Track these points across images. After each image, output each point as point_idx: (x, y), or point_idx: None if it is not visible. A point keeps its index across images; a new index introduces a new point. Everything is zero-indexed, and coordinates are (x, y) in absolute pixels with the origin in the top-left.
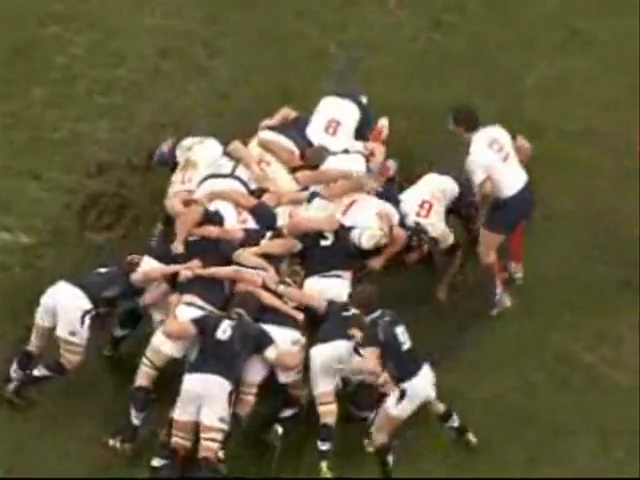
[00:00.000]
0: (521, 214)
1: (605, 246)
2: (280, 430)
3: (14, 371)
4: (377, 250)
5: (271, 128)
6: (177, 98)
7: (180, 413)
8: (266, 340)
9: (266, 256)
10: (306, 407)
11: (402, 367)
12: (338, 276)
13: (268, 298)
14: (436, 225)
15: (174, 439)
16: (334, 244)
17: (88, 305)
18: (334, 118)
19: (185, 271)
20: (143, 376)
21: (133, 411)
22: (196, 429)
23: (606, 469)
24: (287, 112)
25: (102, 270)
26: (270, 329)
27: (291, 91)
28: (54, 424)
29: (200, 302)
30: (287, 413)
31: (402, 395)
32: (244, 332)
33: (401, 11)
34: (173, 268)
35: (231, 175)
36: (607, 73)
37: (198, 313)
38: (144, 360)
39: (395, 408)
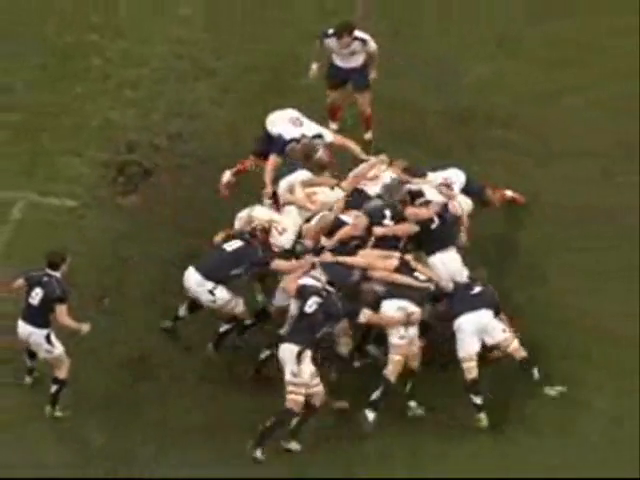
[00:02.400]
0: None
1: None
2: (372, 416)
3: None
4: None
5: (284, 173)
6: (188, 92)
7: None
8: (352, 311)
9: (387, 238)
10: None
11: None
12: (451, 250)
13: (401, 278)
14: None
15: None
16: (441, 225)
17: (210, 285)
18: (292, 116)
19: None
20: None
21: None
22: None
23: None
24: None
25: (229, 248)
26: (386, 302)
27: (285, 86)
28: None
29: (323, 279)
30: (376, 395)
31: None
32: (327, 309)
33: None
34: (307, 262)
35: None
36: (533, 71)
37: (314, 284)
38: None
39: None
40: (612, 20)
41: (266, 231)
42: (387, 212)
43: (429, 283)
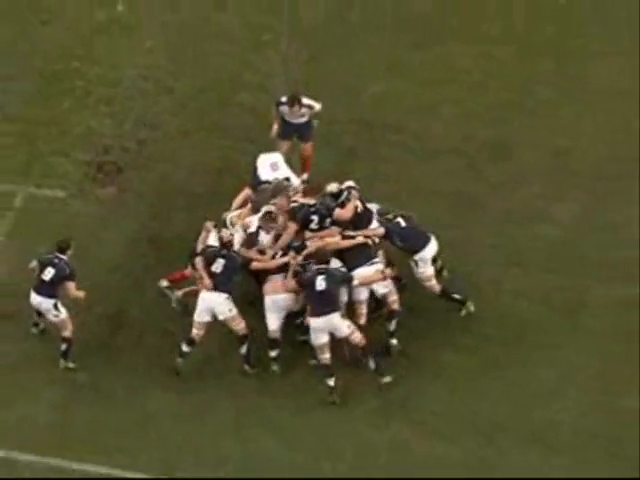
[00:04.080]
0: None
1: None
2: (395, 342)
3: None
4: None
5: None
6: (152, 106)
7: (316, 339)
8: (348, 276)
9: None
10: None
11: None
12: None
13: (350, 242)
14: None
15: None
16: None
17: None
18: (273, 161)
19: (294, 260)
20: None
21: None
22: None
23: None
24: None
25: (219, 268)
26: (360, 270)
27: (228, 102)
28: None
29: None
30: (392, 326)
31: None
32: (334, 279)
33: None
34: (282, 260)
35: None
36: (417, 87)
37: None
38: None
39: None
40: (477, 47)
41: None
42: (315, 218)
43: (371, 238)
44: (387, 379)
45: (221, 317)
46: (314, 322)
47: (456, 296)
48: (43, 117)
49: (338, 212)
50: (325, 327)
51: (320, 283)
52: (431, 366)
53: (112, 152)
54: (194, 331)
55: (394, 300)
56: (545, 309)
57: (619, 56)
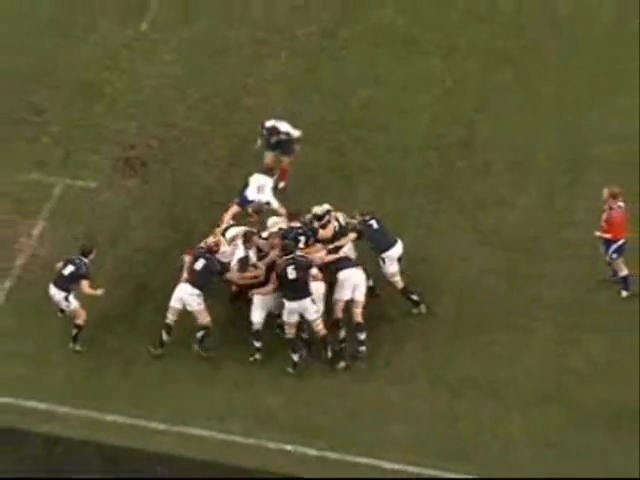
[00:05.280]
0: None
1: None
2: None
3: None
4: None
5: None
6: (171, 112)
7: (287, 316)
8: (310, 262)
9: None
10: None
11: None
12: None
13: (333, 256)
14: None
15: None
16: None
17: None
18: (260, 184)
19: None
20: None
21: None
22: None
23: None
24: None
25: (200, 266)
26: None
27: (233, 106)
28: None
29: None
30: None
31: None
32: (302, 267)
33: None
34: (255, 273)
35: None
36: (400, 94)
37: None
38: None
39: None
40: (448, 58)
41: (217, 245)
42: (302, 238)
43: (351, 252)
44: (342, 365)
45: (188, 308)
46: (289, 304)
47: (414, 297)
48: (78, 119)
49: (321, 232)
50: (297, 309)
51: (291, 272)
52: (409, 332)
53: (137, 149)
54: (169, 316)
55: (318, 325)
56: (509, 283)
57: (569, 68)
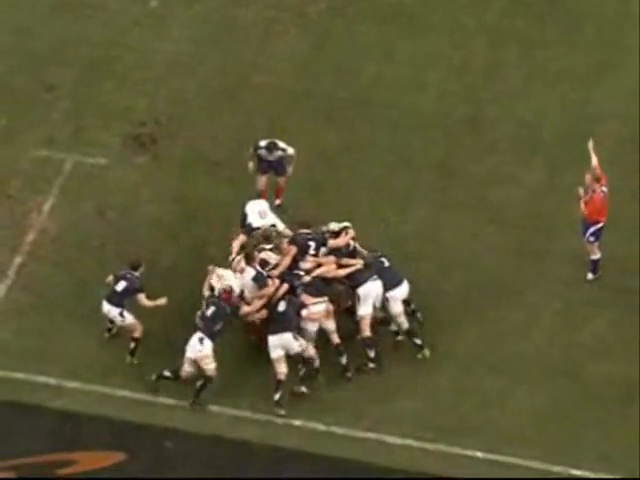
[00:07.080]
0: None
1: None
2: (304, 389)
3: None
4: None
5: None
6: (179, 89)
7: (272, 352)
8: (301, 304)
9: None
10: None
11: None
12: None
13: (344, 270)
14: None
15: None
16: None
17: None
18: (261, 209)
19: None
20: None
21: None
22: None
23: None
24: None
25: (209, 313)
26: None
27: (240, 85)
28: None
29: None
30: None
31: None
32: (293, 306)
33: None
34: (259, 304)
35: None
36: (408, 72)
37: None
38: None
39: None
40: (456, 36)
41: (228, 292)
42: (312, 243)
43: (359, 264)
44: (303, 389)
45: (192, 355)
46: (271, 339)
47: (417, 341)
48: (88, 96)
49: (332, 242)
50: (279, 344)
51: (282, 305)
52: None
53: (147, 125)
54: (185, 367)
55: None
56: (516, 259)
57: (575, 45)
